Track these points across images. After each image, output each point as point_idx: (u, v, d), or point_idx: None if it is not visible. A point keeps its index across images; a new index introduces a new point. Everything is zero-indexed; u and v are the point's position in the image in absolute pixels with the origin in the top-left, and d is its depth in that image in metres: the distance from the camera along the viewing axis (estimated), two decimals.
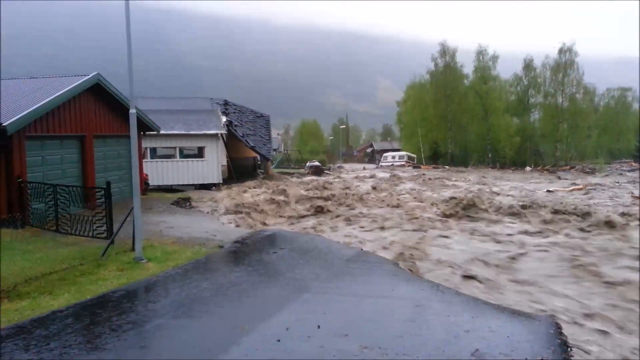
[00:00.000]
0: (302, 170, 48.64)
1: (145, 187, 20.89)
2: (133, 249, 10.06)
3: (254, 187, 26.50)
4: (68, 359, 5.20)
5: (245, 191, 24.33)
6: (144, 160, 22.63)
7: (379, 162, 65.97)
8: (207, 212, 18.12)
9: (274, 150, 54.94)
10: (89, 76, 16.62)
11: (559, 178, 37.03)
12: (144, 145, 23.07)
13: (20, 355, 5.31)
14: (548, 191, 25.92)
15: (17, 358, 5.24)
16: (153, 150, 26.46)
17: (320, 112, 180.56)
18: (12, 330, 6.07)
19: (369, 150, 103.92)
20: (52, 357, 5.24)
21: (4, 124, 12.47)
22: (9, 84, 17.07)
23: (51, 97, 14.49)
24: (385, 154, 65.54)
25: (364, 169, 55.77)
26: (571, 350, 5.81)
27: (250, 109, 36.59)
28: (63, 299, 7.31)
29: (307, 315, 6.65)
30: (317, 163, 51.13)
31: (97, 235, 11.23)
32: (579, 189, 26.81)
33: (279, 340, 5.65)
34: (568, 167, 49.87)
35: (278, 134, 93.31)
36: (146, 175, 21.98)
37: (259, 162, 37.47)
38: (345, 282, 8.64)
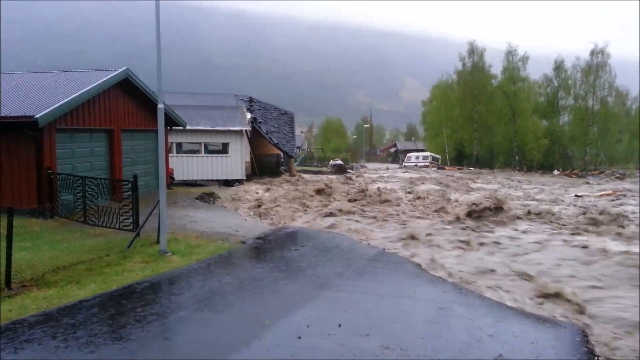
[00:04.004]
0: (324, 169, 48.62)
1: (171, 182, 21.16)
2: (158, 242, 10.21)
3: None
4: (94, 347, 5.30)
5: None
6: (170, 154, 22.94)
7: (402, 162, 65.53)
8: (230, 208, 18.27)
9: (297, 147, 55.00)
10: (119, 71, 16.89)
11: (588, 183, 36.14)
12: (170, 140, 23.38)
13: (48, 342, 5.43)
14: (576, 196, 25.38)
15: (45, 344, 5.36)
16: (179, 145, 26.78)
17: (344, 111, 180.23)
18: (40, 317, 6.22)
19: (392, 150, 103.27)
20: (79, 345, 5.35)
21: (35, 117, 12.78)
22: (40, 77, 17.48)
23: (81, 91, 14.77)
24: (409, 154, 65.06)
25: (387, 168, 55.45)
26: (598, 359, 5.67)
27: (274, 106, 36.72)
28: (89, 289, 7.46)
29: (328, 313, 6.65)
30: (340, 162, 51.04)
31: (124, 227, 11.43)
32: (609, 195, 26.16)
33: (299, 337, 5.66)
34: (597, 171, 48.69)
35: (302, 132, 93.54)
36: (172, 169, 22.26)
37: (282, 159, 37.60)
38: (367, 281, 8.61)
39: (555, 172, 49.17)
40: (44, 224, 12.26)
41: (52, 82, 16.29)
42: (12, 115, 13.20)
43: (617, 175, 43.41)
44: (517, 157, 57.02)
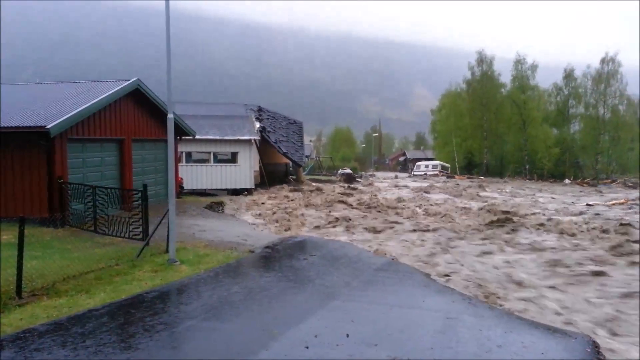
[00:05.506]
0: (333, 178, 48.63)
1: (180, 191, 21.28)
2: (167, 251, 10.26)
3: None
4: (103, 356, 5.33)
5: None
6: (179, 164, 23.09)
7: (411, 171, 65.39)
8: (239, 217, 18.32)
9: (306, 156, 55.08)
10: (129, 82, 17.07)
11: (601, 192, 35.76)
12: (180, 149, 23.53)
13: (57, 351, 5.47)
14: (588, 205, 25.14)
15: (55, 353, 5.40)
16: (188, 155, 26.97)
17: (353, 119, 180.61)
18: (50, 326, 6.26)
19: (401, 158, 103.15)
20: (88, 354, 5.38)
21: (47, 127, 12.94)
22: (52, 87, 17.75)
23: (93, 102, 14.94)
24: (418, 163, 64.96)
25: (396, 177, 55.32)
26: None
27: (283, 115, 36.90)
28: (99, 298, 7.50)
29: (336, 323, 6.63)
30: (348, 170, 51.04)
31: (133, 237, 11.48)
32: (621, 203, 25.88)
33: (307, 347, 5.64)
34: (609, 180, 48.21)
35: (310, 141, 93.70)
36: (181, 178, 22.40)
37: (291, 169, 37.69)
38: (375, 291, 8.57)
39: (567, 181, 48.75)
40: (55, 233, 12.38)
41: (64, 93, 16.49)
42: (24, 125, 13.37)
43: (629, 184, 42.93)
44: (527, 166, 56.67)
